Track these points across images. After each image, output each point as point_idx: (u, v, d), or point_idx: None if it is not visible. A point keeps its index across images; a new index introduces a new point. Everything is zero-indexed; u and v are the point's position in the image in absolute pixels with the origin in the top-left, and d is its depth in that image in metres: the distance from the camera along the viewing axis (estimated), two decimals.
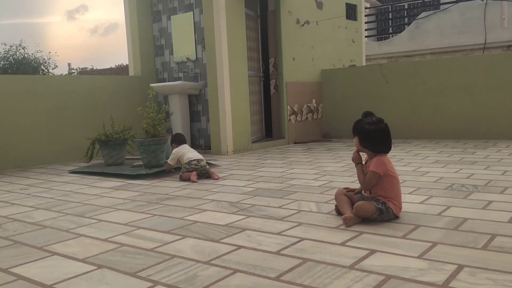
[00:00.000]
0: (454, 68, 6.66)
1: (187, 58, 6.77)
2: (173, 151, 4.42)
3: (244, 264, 1.91)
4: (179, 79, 6.90)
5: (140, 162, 4.89)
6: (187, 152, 4.33)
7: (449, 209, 2.68)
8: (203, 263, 1.95)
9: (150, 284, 1.76)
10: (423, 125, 6.92)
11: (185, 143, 4.54)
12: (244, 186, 3.74)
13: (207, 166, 4.29)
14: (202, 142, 6.78)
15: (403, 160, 4.80)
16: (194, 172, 4.13)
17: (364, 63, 8.99)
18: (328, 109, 7.86)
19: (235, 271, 1.84)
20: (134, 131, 5.34)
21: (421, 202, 2.87)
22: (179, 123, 6.63)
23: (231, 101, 6.14)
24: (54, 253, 2.19)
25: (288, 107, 7.19)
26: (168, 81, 7.04)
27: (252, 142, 6.58)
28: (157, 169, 4.52)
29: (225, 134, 6.12)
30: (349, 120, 7.78)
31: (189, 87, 6.57)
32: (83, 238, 2.43)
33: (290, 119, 7.23)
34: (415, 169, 4.20)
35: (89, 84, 6.40)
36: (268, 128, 7.43)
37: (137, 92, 6.92)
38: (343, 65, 8.43)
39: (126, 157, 5.32)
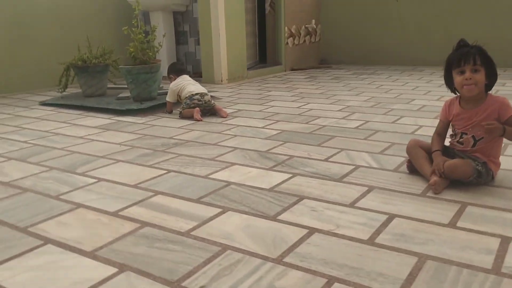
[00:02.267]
0: None
1: None
2: (171, 84, 3.65)
3: (335, 264, 1.32)
4: None
5: (126, 94, 4.12)
6: (188, 85, 3.58)
7: None
8: (273, 262, 1.35)
9: None
10: (434, 51, 6.29)
11: (185, 73, 3.77)
12: (263, 128, 3.09)
13: (213, 102, 3.58)
14: (190, 69, 5.97)
15: (434, 93, 4.21)
16: (197, 109, 3.43)
17: None
18: (326, 31, 7.08)
19: (330, 279, 1.25)
20: (115, 56, 4.49)
21: None
22: (163, 45, 5.74)
23: (226, 21, 5.29)
24: (46, 240, 1.54)
25: (286, 28, 6.38)
26: None
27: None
28: (151, 104, 3.78)
29: (219, 59, 5.33)
30: (350, 44, 7.12)
31: (175, 3, 5.62)
32: (83, 211, 1.78)
33: (287, 43, 6.45)
34: None
35: None
36: (262, 52, 6.63)
37: (112, 6, 5.92)
38: None
39: (108, 86, 4.52)
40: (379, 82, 5.07)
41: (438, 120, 2.07)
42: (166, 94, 3.75)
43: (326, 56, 7.17)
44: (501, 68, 5.87)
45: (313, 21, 6.81)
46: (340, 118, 3.30)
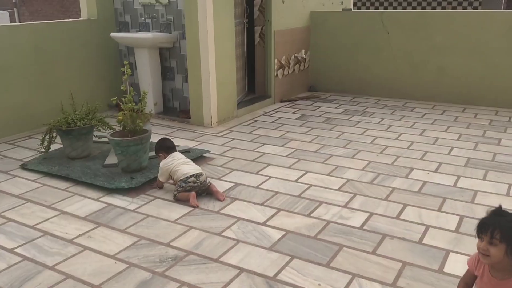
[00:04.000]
0: (467, 24, 5.84)
1: (157, 0, 5.46)
2: (162, 163, 3.45)
3: None
4: (146, 25, 5.63)
5: (113, 159, 3.91)
6: (181, 165, 3.39)
7: None
8: None
9: None
10: (424, 85, 6.23)
11: (175, 150, 3.57)
12: (265, 225, 2.96)
13: (208, 181, 3.43)
14: (177, 105, 5.75)
15: (430, 156, 4.13)
16: (193, 194, 3.27)
17: (352, 4, 7.94)
18: (315, 58, 6.91)
19: None
20: (99, 104, 4.23)
21: None
22: (148, 80, 5.50)
23: (216, 61, 5.08)
24: None
25: (276, 60, 6.19)
26: (132, 27, 5.74)
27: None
28: (141, 179, 3.59)
29: (208, 102, 5.13)
30: (339, 72, 6.98)
31: (162, 41, 5.36)
32: None
33: (277, 75, 6.27)
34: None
35: (33, 35, 5.02)
36: (250, 82, 6.44)
37: (94, 41, 5.62)
38: (332, 3, 7.35)
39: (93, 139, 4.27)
40: (372, 130, 4.97)
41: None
42: (155, 156, 3.65)
43: (315, 83, 7.03)
44: (492, 108, 5.87)
45: (303, 50, 6.63)
46: (342, 206, 3.20)
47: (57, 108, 4.09)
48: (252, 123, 5.38)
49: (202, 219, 3.06)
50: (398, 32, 6.23)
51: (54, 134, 4.03)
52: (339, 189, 3.49)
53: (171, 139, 3.69)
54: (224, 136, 4.88)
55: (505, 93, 5.78)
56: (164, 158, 3.48)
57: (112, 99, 3.66)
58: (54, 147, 4.20)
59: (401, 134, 4.85)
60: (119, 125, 3.71)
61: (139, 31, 5.69)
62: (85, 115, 4.04)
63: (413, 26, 6.11)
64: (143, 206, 3.26)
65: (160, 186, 3.52)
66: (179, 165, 3.41)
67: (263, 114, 5.77)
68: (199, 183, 3.34)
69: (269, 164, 4.03)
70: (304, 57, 6.67)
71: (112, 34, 5.43)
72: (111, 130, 4.09)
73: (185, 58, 5.44)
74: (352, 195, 3.39)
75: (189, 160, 3.51)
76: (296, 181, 3.67)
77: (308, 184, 3.60)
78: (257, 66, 6.33)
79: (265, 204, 3.26)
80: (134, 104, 3.64)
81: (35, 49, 5.01)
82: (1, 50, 4.71)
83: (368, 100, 6.39)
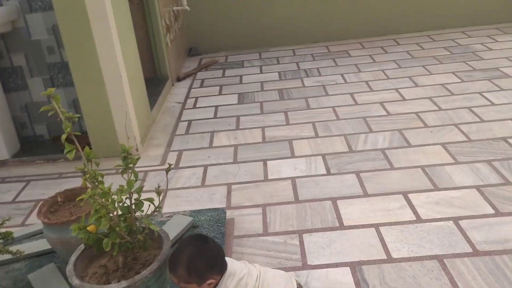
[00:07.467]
0: None
1: None
2: None
3: None
4: None
5: None
6: (268, 280, 1.49)
7: None
8: None
9: None
10: (336, 23, 5.12)
11: (226, 265, 1.53)
12: None
13: None
14: (44, 131, 3.26)
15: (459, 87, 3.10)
16: None
17: None
18: (190, 8, 4.99)
19: None
20: None
21: None
22: None
23: (121, 45, 2.87)
24: None
25: (163, 21, 4.11)
26: None
27: None
28: None
29: (121, 112, 2.93)
30: (225, 25, 5.17)
31: None
32: None
33: (167, 42, 4.22)
34: None
35: None
36: None
37: None
38: None
39: None
40: (361, 95, 3.67)
41: None
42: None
43: (195, 43, 5.19)
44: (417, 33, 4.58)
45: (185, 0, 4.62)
46: None
47: None
48: (187, 127, 3.42)
49: None
50: None
51: None
52: None
53: (204, 236, 1.65)
54: (183, 167, 2.87)
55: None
56: (215, 284, 1.48)
57: (79, 197, 1.38)
58: None
59: (398, 89, 3.70)
60: (86, 242, 1.49)
61: None
62: None
63: None
64: None
65: None
66: (265, 281, 1.51)
67: (183, 109, 3.80)
68: None
69: (333, 198, 2.39)
70: (187, 8, 4.66)
71: None
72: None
73: (42, 46, 3.01)
74: None
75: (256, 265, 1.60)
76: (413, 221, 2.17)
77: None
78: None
79: None
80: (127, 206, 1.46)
81: None
82: None
83: (281, 53, 4.98)
